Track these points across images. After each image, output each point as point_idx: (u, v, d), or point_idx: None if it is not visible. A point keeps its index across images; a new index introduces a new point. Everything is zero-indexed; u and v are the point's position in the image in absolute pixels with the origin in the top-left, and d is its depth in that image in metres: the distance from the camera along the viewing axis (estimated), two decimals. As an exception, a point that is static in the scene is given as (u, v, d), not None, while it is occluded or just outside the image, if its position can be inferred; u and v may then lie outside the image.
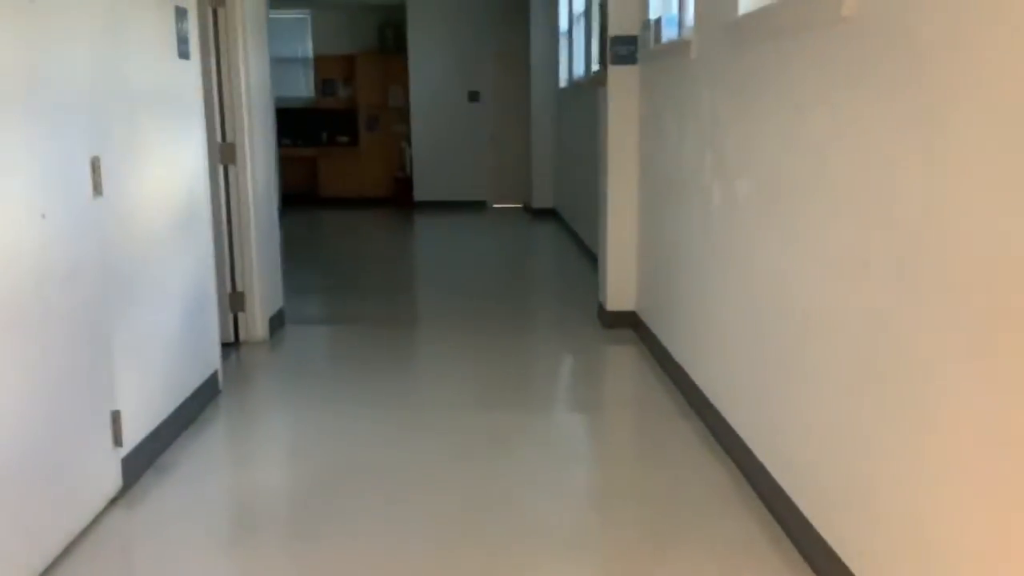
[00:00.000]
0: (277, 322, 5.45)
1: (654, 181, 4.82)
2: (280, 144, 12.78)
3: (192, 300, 3.92)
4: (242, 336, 5.20)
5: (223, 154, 4.99)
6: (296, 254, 9.32)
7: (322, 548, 2.80)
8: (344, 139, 13.10)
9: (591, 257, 7.61)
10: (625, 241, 5.32)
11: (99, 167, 2.93)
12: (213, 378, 4.18)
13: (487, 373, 4.66)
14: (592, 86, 7.29)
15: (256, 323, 5.19)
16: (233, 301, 5.14)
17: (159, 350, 3.52)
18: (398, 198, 12.74)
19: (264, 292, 5.21)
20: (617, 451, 3.72)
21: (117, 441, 3.06)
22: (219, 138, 4.97)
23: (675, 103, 4.32)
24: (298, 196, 12.88)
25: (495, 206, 12.59)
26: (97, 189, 2.93)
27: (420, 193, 12.57)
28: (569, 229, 9.59)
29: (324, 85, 13.21)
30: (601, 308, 5.58)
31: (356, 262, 8.53)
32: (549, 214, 11.43)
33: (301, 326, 5.75)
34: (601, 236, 5.58)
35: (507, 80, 12.32)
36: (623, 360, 4.99)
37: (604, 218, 5.41)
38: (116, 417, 3.05)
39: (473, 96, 12.44)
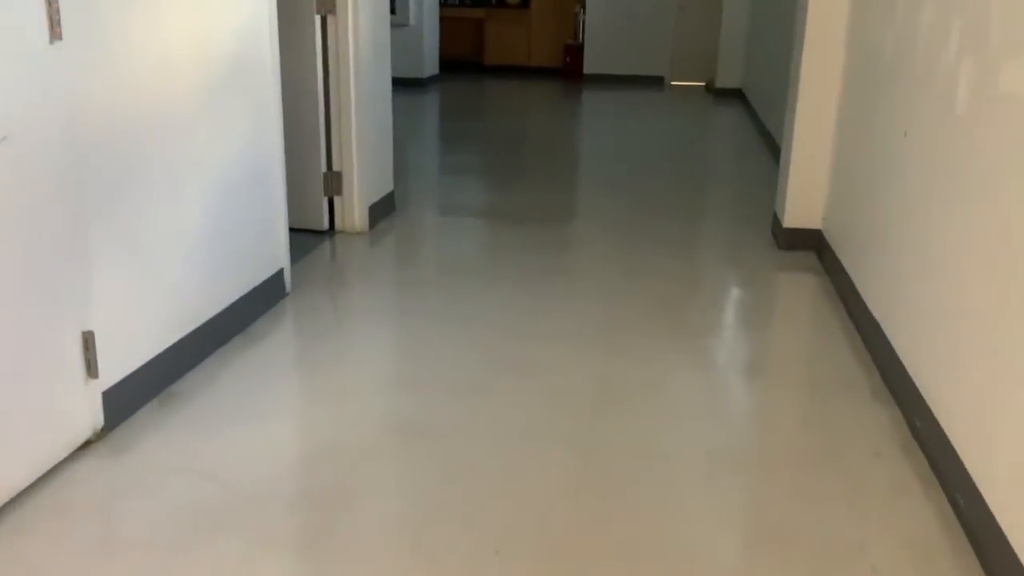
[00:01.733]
0: (383, 209, 4.63)
1: (867, 62, 3.53)
2: (445, 3, 11.86)
3: (242, 184, 3.11)
4: (337, 224, 4.42)
5: (317, 2, 4.09)
6: (445, 129, 8.49)
7: (338, 558, 1.99)
8: (513, 1, 11.93)
9: (776, 152, 6.30)
10: (817, 140, 4.07)
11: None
12: (276, 280, 3.43)
13: (629, 300, 3.66)
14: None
15: (354, 210, 4.38)
16: (328, 183, 4.34)
17: (179, 248, 2.75)
18: (568, 69, 11.56)
19: (366, 173, 4.38)
20: (781, 446, 2.64)
21: (91, 371, 2.34)
22: (317, -18, 4.07)
23: (914, -54, 2.99)
24: (461, 63, 11.96)
25: (674, 83, 11.18)
26: (54, 30, 2.10)
27: (591, 65, 11.31)
28: (756, 116, 8.19)
29: (497, -62, 11.98)
30: (777, 222, 4.40)
31: (509, 142, 7.56)
32: (735, 96, 9.96)
33: (419, 214, 4.91)
34: (787, 130, 4.34)
35: (701, -64, 10.68)
36: (799, 296, 3.85)
37: (792, 108, 4.16)
38: (88, 340, 2.32)
39: (660, -45, 10.89)
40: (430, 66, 10.56)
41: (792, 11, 6.28)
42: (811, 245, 4.19)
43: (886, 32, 3.25)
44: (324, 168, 4.31)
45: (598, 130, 8.43)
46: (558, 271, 4.03)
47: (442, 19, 11.24)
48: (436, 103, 9.68)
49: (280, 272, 3.45)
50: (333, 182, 4.35)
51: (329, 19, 4.14)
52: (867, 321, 3.16)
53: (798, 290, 3.89)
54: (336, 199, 4.39)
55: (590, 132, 8.42)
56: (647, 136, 7.91)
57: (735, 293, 3.88)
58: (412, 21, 10.13)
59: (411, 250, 4.44)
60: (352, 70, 4.19)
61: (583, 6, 11.32)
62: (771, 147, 6.75)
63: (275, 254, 3.42)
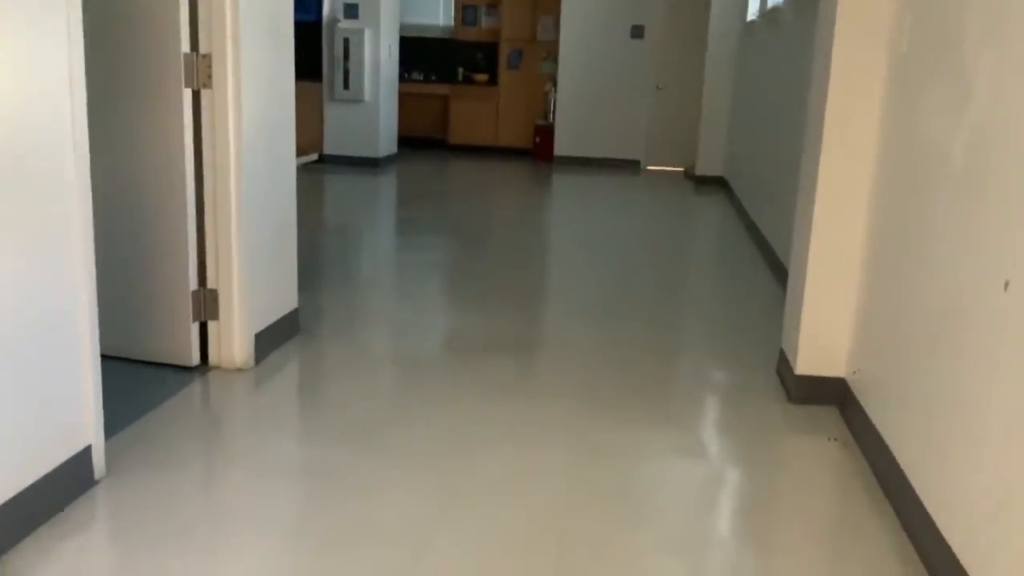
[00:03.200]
0: (279, 335, 3.59)
1: (918, 168, 2.57)
2: (408, 78, 11.04)
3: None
4: (212, 357, 3.37)
5: (188, 72, 3.12)
6: (394, 217, 7.51)
7: None
8: (481, 77, 11.14)
9: (771, 260, 5.37)
10: (840, 265, 3.11)
11: None
12: (76, 465, 2.35)
13: (578, 490, 2.63)
14: (797, 4, 5.03)
15: (233, 339, 3.34)
16: (199, 304, 3.31)
17: None
18: (537, 150, 10.72)
19: (252, 290, 3.35)
20: None
21: None
22: (185, 47, 3.10)
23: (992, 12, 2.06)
24: (423, 141, 11.10)
25: (650, 168, 10.36)
26: None
27: (563, 146, 10.49)
28: (742, 210, 7.30)
29: (465, 12, 11.27)
30: (785, 365, 3.40)
31: (466, 235, 6.56)
32: (716, 184, 9.13)
33: (331, 338, 3.87)
34: (797, 249, 3.37)
35: (680, 12, 9.99)
36: (822, 482, 2.81)
37: (805, 222, 3.20)
38: None
39: (636, 31, 10.17)
40: (386, 145, 9.66)
41: (783, 94, 5.45)
42: (832, 398, 3.19)
43: (954, 128, 2.30)
44: (194, 285, 3.28)
45: (570, 221, 7.50)
46: (498, 441, 2.97)
47: (404, 95, 10.42)
48: (390, 186, 8.76)
49: (84, 453, 2.39)
50: (206, 303, 3.32)
51: (203, 94, 3.16)
52: (919, 519, 2.14)
53: (819, 471, 2.86)
54: (211, 324, 3.35)
55: (560, 224, 7.49)
56: (623, 229, 6.97)
57: (728, 471, 2.83)
58: (367, 97, 9.26)
59: (305, 398, 3.36)
60: (233, 158, 3.20)
61: (554, 84, 10.54)
62: (763, 249, 5.83)
63: (75, 428, 2.36)
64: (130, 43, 3.08)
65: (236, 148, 3.19)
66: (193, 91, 3.14)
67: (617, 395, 3.36)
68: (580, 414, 3.14)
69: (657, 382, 3.55)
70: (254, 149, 3.28)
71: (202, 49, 3.13)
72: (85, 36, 2.27)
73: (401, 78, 10.37)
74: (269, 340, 3.50)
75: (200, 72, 3.13)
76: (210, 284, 3.31)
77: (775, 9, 6.28)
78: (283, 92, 3.51)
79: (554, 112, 10.56)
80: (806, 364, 3.20)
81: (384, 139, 9.58)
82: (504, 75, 11.01)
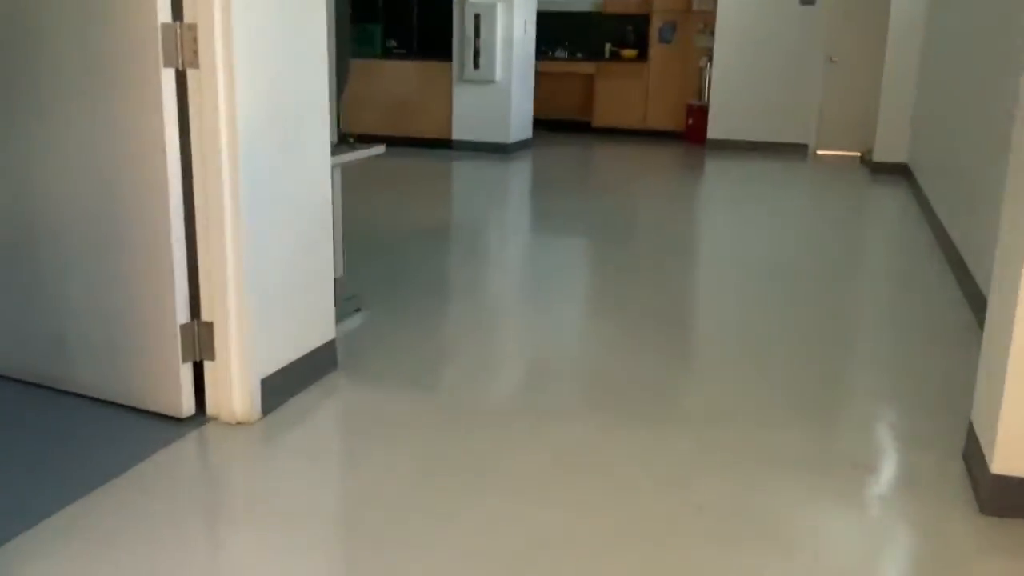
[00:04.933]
0: (300, 378, 2.88)
1: None
2: (551, 56, 10.21)
3: None
4: (210, 406, 2.70)
5: (168, 47, 2.43)
6: (514, 214, 6.67)
7: None
8: (630, 53, 10.16)
9: (964, 278, 4.20)
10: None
11: None
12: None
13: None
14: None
15: (232, 385, 2.65)
16: (191, 339, 2.64)
17: None
18: (690, 133, 9.65)
19: (257, 324, 2.65)
20: None
21: None
22: (165, 16, 2.41)
23: None
24: (565, 123, 10.25)
25: (819, 152, 9.07)
26: None
27: (717, 129, 9.38)
28: (928, 208, 6.04)
29: (616, -17, 10.31)
30: (976, 456, 2.35)
31: (595, 233, 5.66)
32: (898, 172, 7.80)
33: (376, 381, 3.10)
34: (997, 289, 2.31)
35: (859, -27, 8.64)
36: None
37: (1009, 251, 2.14)
38: None
39: (807, -2, 8.90)
40: (519, 129, 8.89)
41: (987, 63, 4.22)
42: (1047, 514, 2.14)
43: None
44: (184, 317, 2.61)
45: (722, 217, 6.45)
46: (550, 548, 2.13)
47: (545, 74, 9.63)
48: (521, 174, 7.97)
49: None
50: (200, 339, 2.65)
51: (189, 75, 2.48)
52: None
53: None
54: (207, 365, 2.68)
55: (711, 220, 6.45)
56: (783, 227, 5.89)
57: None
58: (498, 77, 8.52)
59: (313, 466, 2.57)
60: (226, 156, 2.49)
61: (710, 59, 9.42)
62: (950, 257, 4.66)
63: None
64: (96, 13, 2.44)
65: (230, 143, 2.49)
66: (176, 71, 2.46)
67: (721, 490, 2.43)
68: (674, 522, 2.25)
69: (791, 454, 2.58)
70: (259, 144, 2.57)
71: (186, 18, 2.44)
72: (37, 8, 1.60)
73: (544, 56, 9.61)
74: (285, 384, 2.79)
75: (184, 47, 2.45)
76: (204, 315, 2.63)
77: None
78: (306, 71, 2.77)
79: (710, 90, 9.45)
80: (1008, 460, 2.16)
81: (516, 123, 8.81)
82: (655, 50, 9.99)
